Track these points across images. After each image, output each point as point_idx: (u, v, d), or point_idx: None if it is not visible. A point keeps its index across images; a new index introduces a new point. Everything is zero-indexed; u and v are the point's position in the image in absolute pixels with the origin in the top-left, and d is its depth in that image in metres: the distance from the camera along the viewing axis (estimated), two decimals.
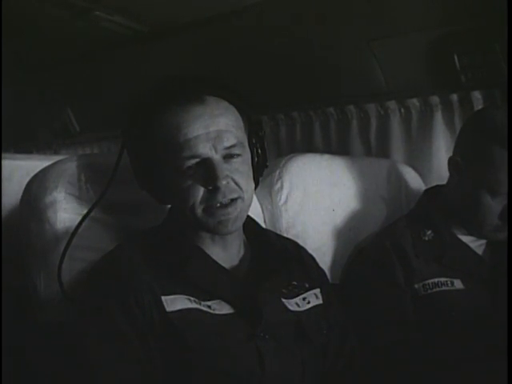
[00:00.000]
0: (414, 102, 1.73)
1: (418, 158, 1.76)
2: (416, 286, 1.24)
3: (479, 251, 1.30)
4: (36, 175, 1.12)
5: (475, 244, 1.30)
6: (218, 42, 1.91)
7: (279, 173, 1.38)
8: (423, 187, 1.62)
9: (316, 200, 1.41)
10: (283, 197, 1.36)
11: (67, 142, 2.84)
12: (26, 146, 2.92)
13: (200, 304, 0.92)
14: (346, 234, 1.46)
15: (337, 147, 1.93)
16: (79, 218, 1.01)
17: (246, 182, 0.95)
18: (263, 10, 1.69)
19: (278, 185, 1.37)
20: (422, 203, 1.41)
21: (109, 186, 1.00)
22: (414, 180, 1.70)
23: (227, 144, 0.92)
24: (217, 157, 0.92)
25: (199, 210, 0.92)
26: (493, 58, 1.51)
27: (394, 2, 1.54)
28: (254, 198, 1.33)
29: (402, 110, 1.78)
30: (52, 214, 1.06)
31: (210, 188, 0.91)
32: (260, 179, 1.04)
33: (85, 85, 2.45)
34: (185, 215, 0.95)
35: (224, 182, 0.91)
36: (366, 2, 1.57)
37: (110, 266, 0.95)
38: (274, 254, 1.04)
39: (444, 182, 1.39)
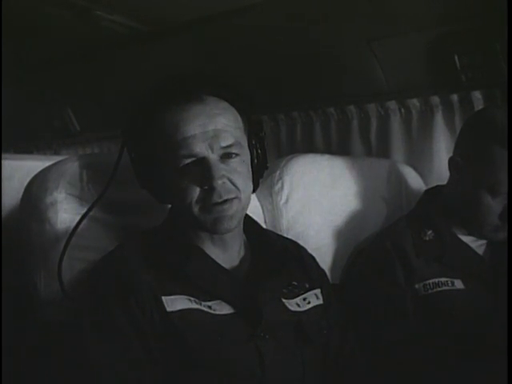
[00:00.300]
0: (415, 102, 1.73)
1: (419, 158, 1.76)
2: (416, 286, 1.24)
3: (480, 251, 1.30)
4: (36, 175, 1.12)
5: (475, 244, 1.30)
6: (218, 42, 1.91)
7: (280, 173, 1.38)
8: (423, 187, 1.62)
9: (316, 200, 1.42)
10: (284, 197, 1.36)
11: (67, 142, 2.84)
12: (26, 146, 2.92)
13: (200, 304, 0.92)
14: (346, 234, 1.46)
15: (337, 147, 1.93)
16: None
17: (244, 182, 0.95)
18: (263, 9, 1.68)
19: (279, 185, 1.37)
20: (422, 203, 1.41)
21: (109, 186, 1.00)
22: (414, 180, 1.70)
23: (224, 144, 0.92)
24: (213, 156, 0.92)
25: (196, 209, 0.92)
26: (493, 58, 1.51)
27: (394, 1, 1.54)
28: (255, 198, 1.34)
29: (403, 110, 1.78)
30: (52, 214, 1.06)
31: (206, 188, 0.91)
32: (260, 180, 1.04)
33: (85, 85, 2.45)
34: (183, 214, 0.95)
35: (220, 182, 0.91)
36: (366, 1, 1.57)
37: (110, 266, 0.95)
38: (275, 254, 1.04)
39: (444, 182, 1.39)
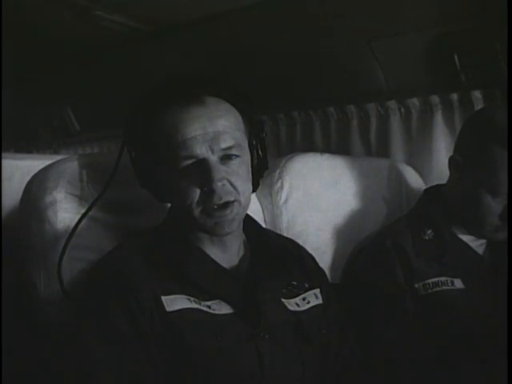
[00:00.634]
0: (414, 102, 1.73)
1: (418, 157, 1.75)
2: (416, 285, 1.24)
3: (479, 251, 1.30)
4: (36, 175, 1.12)
5: (475, 243, 1.30)
6: (218, 42, 1.91)
7: (279, 172, 1.38)
8: (423, 187, 1.62)
9: (316, 200, 1.42)
10: (283, 196, 1.36)
11: (67, 142, 2.84)
12: (26, 146, 2.92)
13: (200, 304, 0.92)
14: (346, 234, 1.46)
15: (337, 147, 1.93)
16: None
17: (244, 184, 0.95)
18: (263, 9, 1.69)
19: (278, 184, 1.37)
20: (422, 203, 1.41)
21: (109, 185, 1.00)
22: (414, 179, 1.70)
23: (224, 145, 0.92)
24: (213, 158, 0.92)
25: (197, 211, 0.92)
26: (493, 58, 1.51)
27: (394, 1, 1.54)
28: (254, 198, 1.34)
29: (402, 110, 1.77)
30: (52, 213, 1.06)
31: (206, 189, 0.91)
32: (260, 181, 1.04)
33: (85, 85, 2.45)
34: (183, 215, 0.95)
35: (219, 184, 0.91)
36: (366, 1, 1.57)
37: (109, 266, 0.95)
38: (274, 253, 1.04)
39: (444, 181, 1.39)
